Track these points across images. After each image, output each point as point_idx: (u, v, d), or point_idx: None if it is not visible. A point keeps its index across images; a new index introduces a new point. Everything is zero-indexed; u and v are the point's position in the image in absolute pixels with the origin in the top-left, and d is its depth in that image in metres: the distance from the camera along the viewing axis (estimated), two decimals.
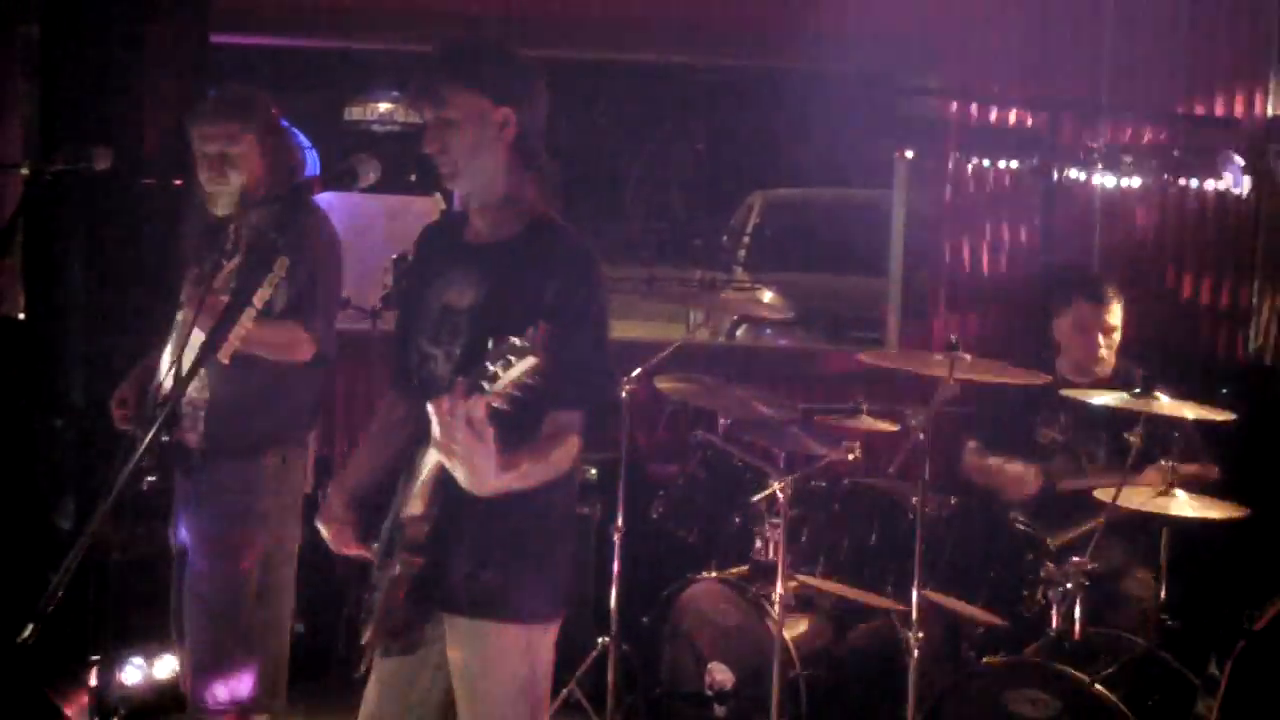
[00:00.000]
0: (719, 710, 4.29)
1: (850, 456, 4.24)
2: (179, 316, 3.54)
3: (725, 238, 11.79)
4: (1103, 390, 4.12)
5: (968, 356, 3.78)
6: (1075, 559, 3.73)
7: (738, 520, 4.64)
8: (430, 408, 2.39)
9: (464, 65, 2.68)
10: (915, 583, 3.74)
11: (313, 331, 3.55)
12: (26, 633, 2.29)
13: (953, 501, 4.24)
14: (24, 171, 3.36)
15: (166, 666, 4.41)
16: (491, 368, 2.34)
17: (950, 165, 5.81)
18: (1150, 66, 5.80)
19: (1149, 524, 4.01)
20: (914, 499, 3.86)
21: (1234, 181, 5.58)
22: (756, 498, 4.42)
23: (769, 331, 9.03)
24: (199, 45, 4.87)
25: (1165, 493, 3.81)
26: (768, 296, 5.10)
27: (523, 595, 2.72)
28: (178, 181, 4.04)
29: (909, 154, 5.79)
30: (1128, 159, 5.66)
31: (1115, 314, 4.48)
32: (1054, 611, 3.80)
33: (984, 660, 3.90)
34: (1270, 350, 5.71)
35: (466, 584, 2.68)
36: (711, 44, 6.08)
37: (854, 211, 9.91)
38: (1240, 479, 4.30)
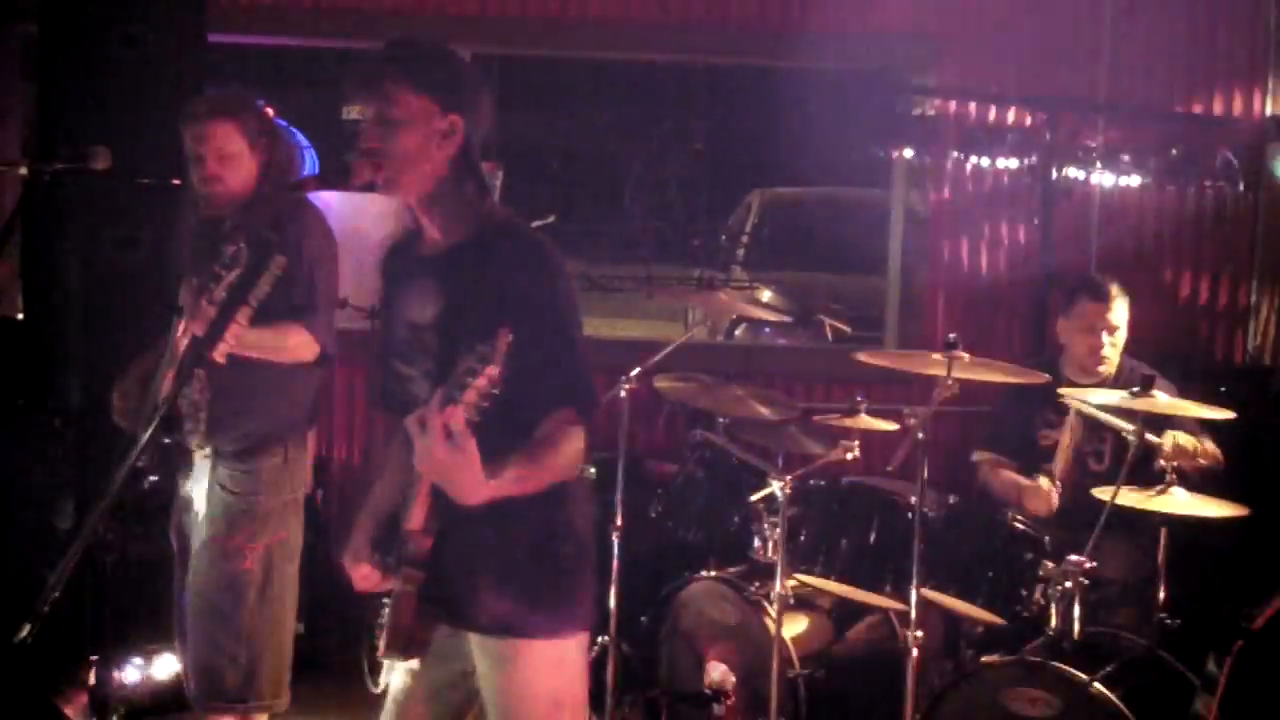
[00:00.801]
0: (718, 709, 4.28)
1: (849, 456, 4.23)
2: (178, 325, 3.53)
3: (724, 237, 11.80)
4: (1103, 390, 4.12)
5: (966, 356, 3.78)
6: (1074, 558, 3.73)
7: (736, 519, 4.64)
8: (407, 425, 2.36)
9: (414, 66, 2.59)
10: (914, 582, 3.74)
11: (315, 331, 3.56)
12: (24, 632, 2.28)
13: (951, 500, 4.24)
14: (22, 171, 3.35)
15: (165, 666, 4.41)
16: (458, 381, 2.33)
17: (948, 164, 5.82)
18: (1148, 66, 5.80)
19: (1149, 522, 4.01)
20: (913, 498, 3.86)
21: (1232, 181, 5.59)
22: (755, 497, 4.41)
23: (768, 331, 9.04)
24: (197, 45, 4.86)
25: (1165, 490, 3.81)
26: (766, 295, 5.11)
27: (549, 610, 2.66)
28: (176, 181, 4.04)
29: (907, 153, 5.78)
30: (1126, 158, 5.67)
31: (1119, 313, 4.48)
32: (1053, 610, 3.79)
33: (983, 659, 3.90)
34: (1269, 349, 5.71)
35: (489, 603, 2.63)
36: (710, 43, 6.08)
37: (853, 210, 9.92)
38: (1239, 478, 4.30)
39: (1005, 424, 4.63)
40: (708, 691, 4.31)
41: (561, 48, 6.24)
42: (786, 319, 6.37)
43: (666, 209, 18.04)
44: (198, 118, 3.57)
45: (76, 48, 4.68)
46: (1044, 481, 4.30)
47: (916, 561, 3.73)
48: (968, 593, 4.02)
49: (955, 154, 5.78)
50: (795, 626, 4.27)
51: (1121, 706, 3.52)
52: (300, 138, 4.46)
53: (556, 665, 2.67)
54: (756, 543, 4.43)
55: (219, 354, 3.13)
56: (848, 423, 4.58)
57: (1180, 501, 3.79)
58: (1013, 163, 5.71)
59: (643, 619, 4.56)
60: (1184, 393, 4.03)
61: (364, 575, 2.77)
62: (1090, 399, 4.07)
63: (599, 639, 4.44)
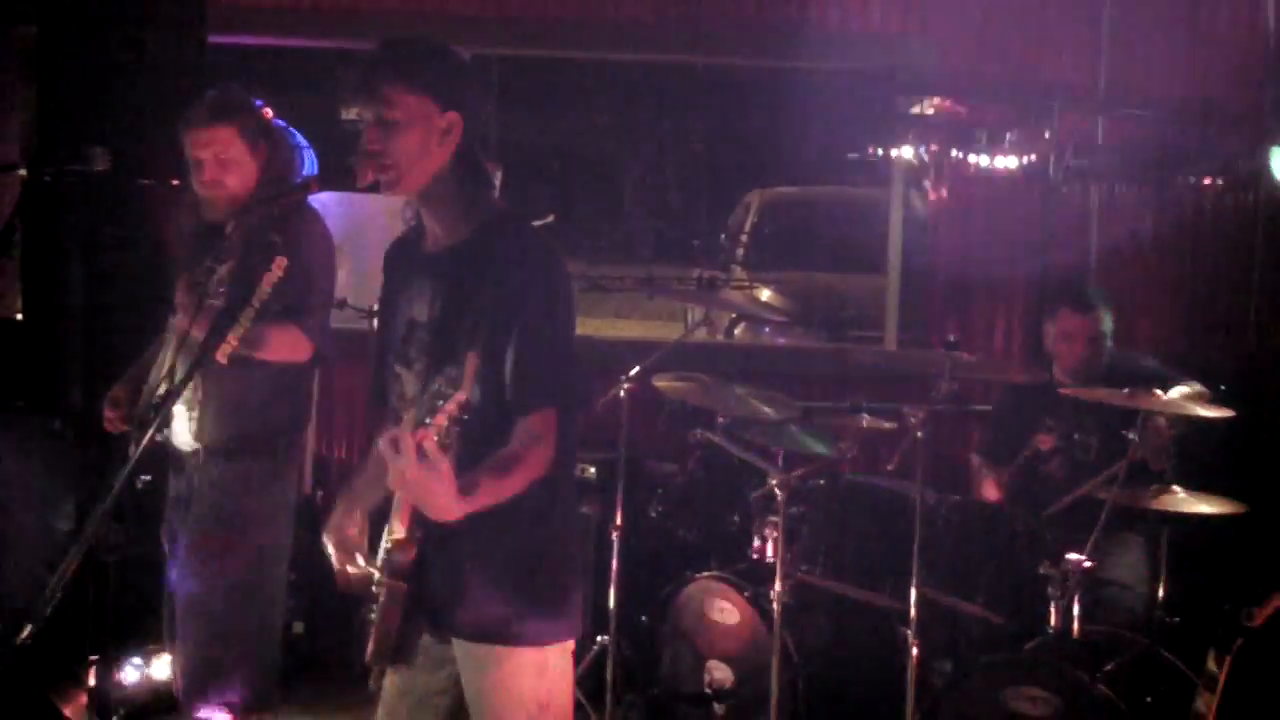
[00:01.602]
0: (718, 709, 4.29)
1: (848, 455, 4.23)
2: (172, 321, 3.54)
3: (723, 236, 11.80)
4: (1102, 390, 4.13)
5: (966, 355, 3.79)
6: (1073, 556, 3.74)
7: (736, 519, 4.65)
8: (381, 445, 2.35)
9: (411, 66, 2.58)
10: (914, 581, 3.74)
11: (309, 333, 3.55)
12: (24, 634, 2.29)
13: (951, 499, 4.24)
14: (22, 173, 3.37)
15: (164, 667, 4.41)
16: (428, 405, 2.34)
17: (948, 163, 5.82)
18: (1149, 64, 5.80)
19: (1149, 521, 4.02)
20: (912, 497, 3.86)
21: (1232, 179, 5.59)
22: (755, 496, 4.42)
23: (767, 330, 9.04)
24: (197, 46, 4.87)
25: (1165, 489, 3.82)
26: (766, 295, 5.12)
27: (533, 617, 2.65)
28: (175, 182, 4.04)
29: (906, 152, 5.79)
30: (1126, 156, 5.67)
31: (1101, 322, 4.49)
32: (1053, 609, 3.80)
33: (983, 658, 3.91)
34: (1270, 347, 5.71)
35: (473, 610, 2.63)
36: (710, 43, 6.08)
37: (852, 210, 9.93)
38: (1239, 476, 4.30)
39: (1002, 428, 4.65)
40: (708, 691, 4.31)
41: (561, 48, 6.24)
42: (786, 318, 6.38)
43: (666, 209, 18.06)
44: (198, 122, 3.56)
45: (76, 49, 4.69)
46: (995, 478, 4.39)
47: (916, 560, 3.73)
48: (968, 592, 4.02)
49: (955, 153, 5.78)
50: (795, 625, 4.27)
51: (1121, 704, 3.53)
52: (300, 138, 4.46)
53: (540, 672, 2.66)
54: (756, 542, 4.44)
55: (221, 354, 3.13)
56: (847, 422, 4.59)
57: (1180, 499, 3.80)
58: (1012, 162, 5.71)
59: (643, 619, 4.56)
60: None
61: (338, 552, 2.77)
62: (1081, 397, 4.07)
63: (599, 638, 4.45)
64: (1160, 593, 4.09)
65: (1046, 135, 5.51)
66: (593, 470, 4.91)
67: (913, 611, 3.74)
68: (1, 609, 4.41)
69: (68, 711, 4.18)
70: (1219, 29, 5.80)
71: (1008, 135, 5.72)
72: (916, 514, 3.76)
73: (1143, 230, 5.85)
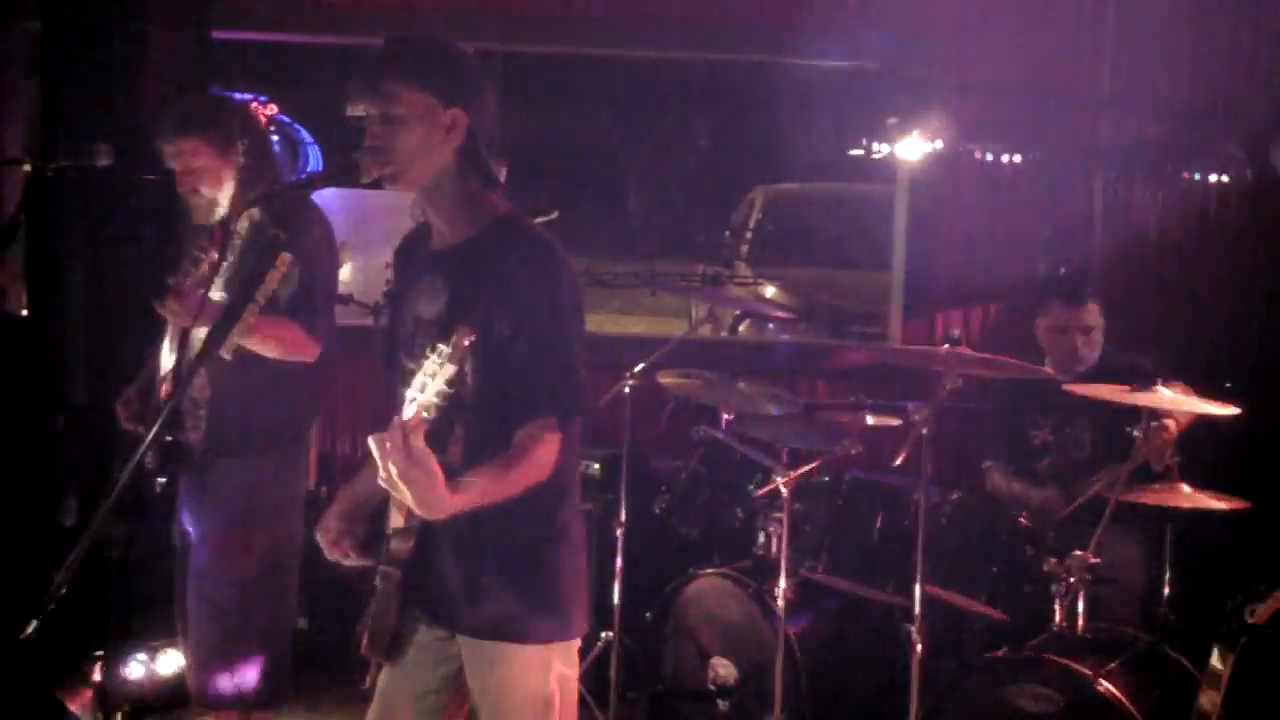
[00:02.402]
0: (722, 705, 4.29)
1: (852, 452, 4.23)
2: (164, 313, 3.53)
3: (727, 233, 11.79)
4: (1106, 386, 4.12)
5: (969, 351, 3.79)
6: (1077, 553, 3.74)
7: (740, 515, 4.65)
8: (370, 443, 2.34)
9: (414, 63, 2.58)
10: (917, 578, 3.74)
11: (314, 329, 3.56)
12: (29, 630, 2.29)
13: (954, 496, 4.24)
14: (26, 169, 3.37)
15: (170, 662, 4.42)
16: (419, 383, 2.34)
17: (952, 160, 5.81)
18: (1152, 60, 5.79)
19: (1153, 518, 4.02)
20: (916, 494, 3.86)
21: (1236, 176, 5.58)
22: (759, 493, 4.42)
23: (771, 327, 9.04)
24: (200, 42, 4.88)
25: (1172, 486, 3.81)
26: (770, 291, 5.12)
27: (540, 615, 2.66)
28: None
29: (910, 149, 5.78)
30: (1129, 153, 5.66)
31: (1091, 314, 4.50)
32: (1056, 606, 3.80)
33: (986, 655, 3.90)
34: (1272, 344, 5.70)
35: (480, 607, 2.63)
36: (713, 39, 6.08)
37: (856, 206, 9.91)
38: (1242, 472, 4.30)
39: (1001, 426, 4.65)
40: (711, 688, 4.32)
41: (564, 44, 6.23)
42: (790, 315, 6.38)
43: (669, 205, 18.04)
44: (165, 134, 3.56)
45: (80, 45, 4.69)
46: (1050, 494, 4.33)
47: (920, 557, 3.73)
48: (971, 589, 4.03)
49: (958, 149, 5.77)
50: (798, 622, 4.27)
51: (1125, 701, 3.52)
52: (304, 134, 4.46)
53: (547, 669, 2.67)
54: (760, 539, 4.44)
55: (226, 350, 3.13)
56: (851, 419, 4.59)
57: (1183, 496, 3.79)
58: (1016, 158, 5.71)
59: (646, 615, 4.57)
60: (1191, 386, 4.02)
61: (328, 543, 2.78)
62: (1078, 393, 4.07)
63: (603, 635, 4.45)
64: (1164, 590, 4.09)
65: (1050, 130, 5.51)
66: (596, 467, 4.91)
67: (916, 608, 3.74)
68: (7, 606, 4.42)
69: (73, 707, 4.19)
70: (1220, 23, 5.79)
71: (1011, 131, 5.72)
72: (920, 511, 3.76)
73: (1145, 229, 5.84)
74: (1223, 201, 5.78)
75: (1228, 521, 3.86)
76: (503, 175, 2.78)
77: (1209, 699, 3.32)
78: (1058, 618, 3.80)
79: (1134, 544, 4.26)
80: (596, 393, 4.46)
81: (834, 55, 6.16)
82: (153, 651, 4.44)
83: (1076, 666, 3.62)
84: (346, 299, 5.17)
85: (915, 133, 5.59)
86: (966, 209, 5.87)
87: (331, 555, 2.80)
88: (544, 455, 2.55)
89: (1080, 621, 3.77)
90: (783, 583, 4.04)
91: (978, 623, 4.14)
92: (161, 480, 3.46)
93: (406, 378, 2.64)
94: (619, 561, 4.44)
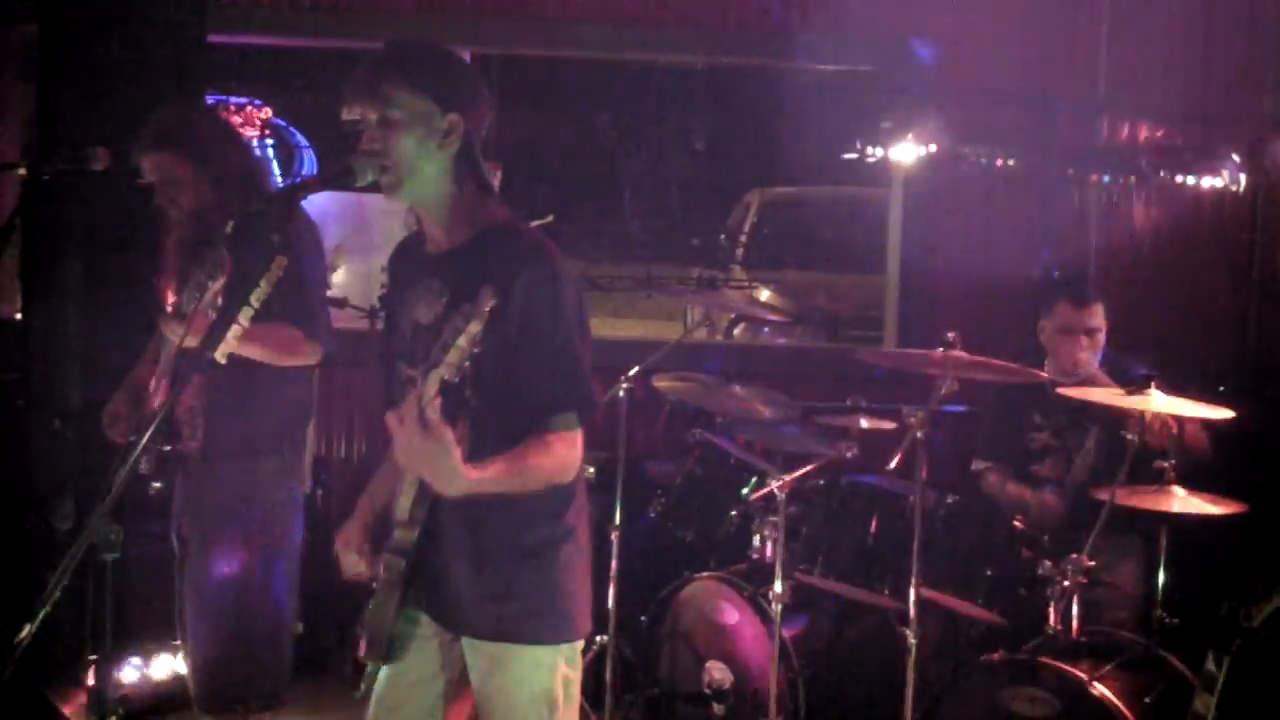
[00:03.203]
0: (717, 709, 4.28)
1: (848, 455, 4.23)
2: (167, 334, 3.52)
3: (723, 236, 11.80)
4: (1101, 389, 4.13)
5: (965, 355, 3.79)
6: (1073, 556, 3.74)
7: (735, 519, 4.65)
8: (387, 420, 2.36)
9: (412, 67, 2.59)
10: (913, 581, 3.74)
11: (311, 331, 3.55)
12: (23, 633, 2.28)
13: (950, 500, 4.24)
14: (22, 172, 3.36)
15: (164, 666, 4.42)
16: (443, 342, 2.37)
17: (948, 163, 5.82)
18: (1148, 63, 5.80)
19: (1148, 521, 4.01)
20: (912, 497, 3.86)
21: (1231, 179, 5.59)
22: (754, 496, 4.42)
23: (767, 330, 9.04)
24: (197, 45, 4.87)
25: (1164, 489, 3.81)
26: (765, 295, 5.13)
27: (545, 616, 2.66)
28: None
29: (906, 152, 5.79)
30: (1125, 156, 5.67)
31: (1097, 315, 4.48)
32: (1052, 609, 3.80)
33: (982, 658, 3.90)
34: (1268, 348, 5.71)
35: (485, 609, 2.64)
36: (710, 43, 6.09)
37: (851, 210, 9.93)
38: (1238, 476, 4.30)
39: (997, 428, 4.64)
40: (707, 691, 4.31)
41: (561, 47, 6.24)
42: (785, 318, 6.39)
43: (666, 209, 18.05)
44: (139, 149, 3.56)
45: (77, 48, 4.69)
46: (1049, 497, 4.32)
47: (916, 560, 3.73)
48: (967, 592, 4.02)
49: (954, 152, 5.78)
50: (794, 626, 4.27)
51: (1120, 705, 3.53)
52: (299, 137, 4.47)
53: (552, 670, 2.68)
54: (756, 542, 4.44)
55: (220, 354, 3.13)
56: (847, 422, 4.59)
57: (1179, 499, 3.80)
58: (1012, 161, 5.71)
59: (642, 619, 4.56)
60: (1183, 391, 4.02)
61: (352, 562, 2.77)
62: (1078, 398, 4.07)
63: (598, 638, 4.44)
64: (1159, 593, 4.09)
65: (1047, 134, 5.52)
66: (592, 470, 4.90)
67: (912, 612, 3.74)
68: (2, 609, 4.41)
69: (67, 711, 4.19)
70: (1218, 26, 5.80)
71: (1008, 134, 5.72)
72: (916, 514, 3.76)
73: (1142, 230, 5.85)
74: (1218, 205, 5.79)
75: (1223, 524, 3.86)
76: (497, 178, 2.78)
77: (1204, 702, 3.32)
78: (1053, 621, 3.79)
79: (1129, 547, 4.26)
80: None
81: (829, 59, 6.17)
82: (147, 655, 4.44)
83: (1072, 670, 3.62)
84: (342, 302, 5.18)
85: (910, 136, 5.59)
86: (962, 212, 5.87)
87: (347, 564, 2.78)
88: (568, 453, 2.57)
89: (1076, 624, 3.77)
90: (778, 586, 4.04)
91: (973, 626, 4.15)
92: (156, 485, 3.45)
93: (405, 385, 2.64)
94: (614, 565, 4.44)
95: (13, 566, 4.53)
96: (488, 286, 2.35)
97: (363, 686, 2.80)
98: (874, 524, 4.30)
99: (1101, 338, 4.50)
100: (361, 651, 2.73)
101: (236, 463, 3.60)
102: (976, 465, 4.65)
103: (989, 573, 4.06)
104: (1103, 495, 3.80)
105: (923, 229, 5.94)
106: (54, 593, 2.31)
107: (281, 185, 3.98)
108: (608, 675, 4.39)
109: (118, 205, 4.55)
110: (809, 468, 4.31)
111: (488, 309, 2.34)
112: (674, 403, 5.18)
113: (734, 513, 4.68)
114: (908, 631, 3.75)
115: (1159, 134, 5.76)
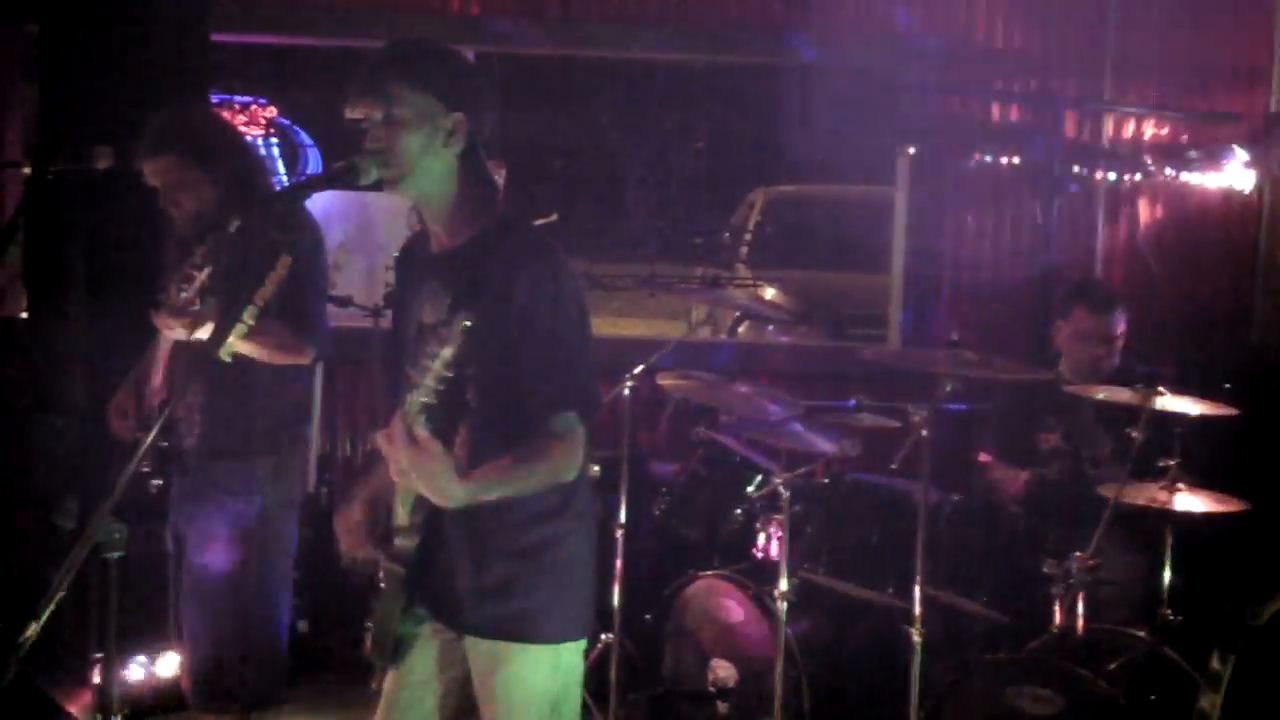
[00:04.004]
0: (721, 707, 4.28)
1: (852, 453, 4.23)
2: (158, 326, 3.52)
3: (727, 235, 11.79)
4: (1105, 387, 4.12)
5: (969, 353, 3.78)
6: (1077, 555, 3.73)
7: (740, 517, 4.65)
8: (377, 440, 2.37)
9: (417, 66, 2.59)
10: (917, 579, 3.74)
11: (308, 335, 3.55)
12: (28, 632, 2.29)
13: (954, 498, 4.24)
14: (25, 171, 3.37)
15: (169, 664, 4.41)
16: (421, 367, 2.37)
17: (953, 161, 5.82)
18: (1153, 61, 5.80)
19: (1153, 519, 4.01)
20: (916, 496, 3.85)
21: (1237, 176, 5.59)
22: (758, 495, 4.42)
23: (771, 328, 9.04)
24: (200, 44, 4.86)
25: (1169, 488, 3.81)
26: (769, 293, 5.12)
27: (547, 615, 2.66)
28: None
29: (911, 150, 5.78)
30: (1130, 154, 5.67)
31: (1117, 323, 4.47)
32: (1056, 608, 3.80)
33: (986, 657, 3.90)
34: (1272, 345, 5.70)
35: (486, 608, 2.64)
36: (713, 42, 6.08)
37: (856, 208, 9.91)
38: (1242, 474, 4.30)
39: (1006, 426, 4.64)
40: (711, 689, 4.31)
41: (564, 46, 6.24)
42: (789, 317, 6.39)
43: (669, 207, 18.05)
44: (140, 155, 3.57)
45: (79, 47, 4.69)
46: (1021, 476, 4.36)
47: (920, 559, 3.73)
48: (971, 590, 4.02)
49: (959, 151, 5.78)
50: (798, 624, 4.27)
51: (1125, 704, 3.52)
52: (304, 136, 4.47)
53: (553, 669, 2.68)
54: (759, 540, 4.44)
55: (224, 353, 3.13)
56: (851, 421, 4.59)
57: (1183, 498, 3.79)
58: (1017, 160, 5.71)
59: (646, 617, 4.56)
60: (1187, 389, 4.02)
61: (347, 535, 2.79)
62: (1093, 398, 4.07)
63: (602, 637, 4.44)
64: (1163, 591, 4.09)
65: (1051, 133, 5.51)
66: (596, 468, 4.90)
67: (916, 610, 3.74)
68: (6, 608, 4.42)
69: (73, 710, 4.19)
70: (1222, 24, 5.80)
71: (1012, 133, 5.72)
72: (920, 512, 3.76)
73: (1145, 226, 5.85)
74: (1223, 202, 5.79)
75: (1227, 523, 3.86)
76: (501, 177, 2.79)
77: (1209, 701, 3.32)
78: (1057, 619, 3.79)
79: (1134, 545, 4.25)
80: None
81: (834, 58, 6.16)
82: (152, 654, 4.44)
83: (1077, 668, 3.62)
84: (347, 301, 5.18)
85: (916, 134, 5.58)
86: (966, 211, 5.87)
87: (346, 544, 2.80)
88: (567, 453, 2.56)
89: (1080, 623, 3.77)
90: (782, 584, 4.04)
91: (978, 624, 4.14)
92: (156, 483, 3.45)
93: (409, 385, 2.64)
94: (619, 563, 4.44)
95: (17, 565, 4.53)
96: (462, 312, 2.35)
97: (373, 686, 2.81)
98: (877, 523, 4.30)
99: (1120, 344, 4.48)
100: (367, 649, 2.74)
101: (234, 461, 3.60)
102: (981, 457, 4.64)
103: (993, 571, 4.06)
104: (1107, 493, 3.80)
105: (927, 228, 5.94)
106: (58, 592, 2.31)
107: (285, 184, 3.97)
108: (612, 673, 4.39)
109: (122, 204, 4.56)
110: (813, 466, 4.31)
111: (461, 329, 2.33)
112: (678, 401, 5.17)
113: (738, 511, 4.68)
114: (912, 630, 3.75)
115: (1164, 131, 5.76)
